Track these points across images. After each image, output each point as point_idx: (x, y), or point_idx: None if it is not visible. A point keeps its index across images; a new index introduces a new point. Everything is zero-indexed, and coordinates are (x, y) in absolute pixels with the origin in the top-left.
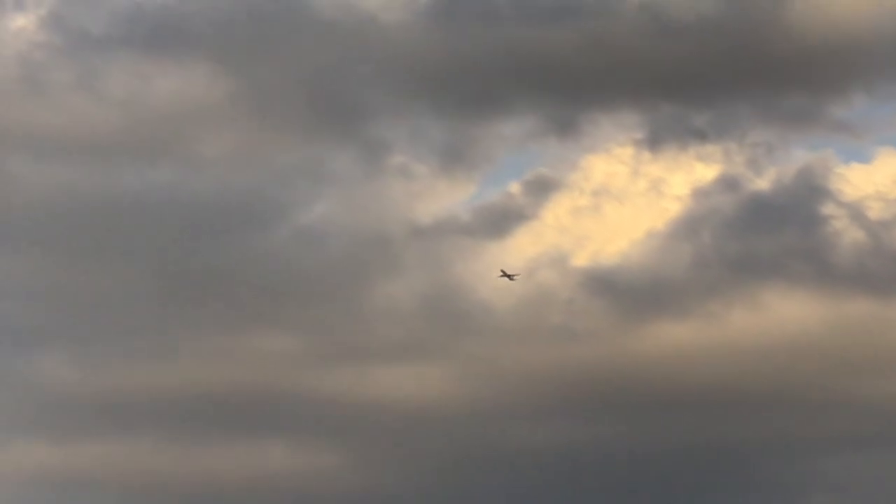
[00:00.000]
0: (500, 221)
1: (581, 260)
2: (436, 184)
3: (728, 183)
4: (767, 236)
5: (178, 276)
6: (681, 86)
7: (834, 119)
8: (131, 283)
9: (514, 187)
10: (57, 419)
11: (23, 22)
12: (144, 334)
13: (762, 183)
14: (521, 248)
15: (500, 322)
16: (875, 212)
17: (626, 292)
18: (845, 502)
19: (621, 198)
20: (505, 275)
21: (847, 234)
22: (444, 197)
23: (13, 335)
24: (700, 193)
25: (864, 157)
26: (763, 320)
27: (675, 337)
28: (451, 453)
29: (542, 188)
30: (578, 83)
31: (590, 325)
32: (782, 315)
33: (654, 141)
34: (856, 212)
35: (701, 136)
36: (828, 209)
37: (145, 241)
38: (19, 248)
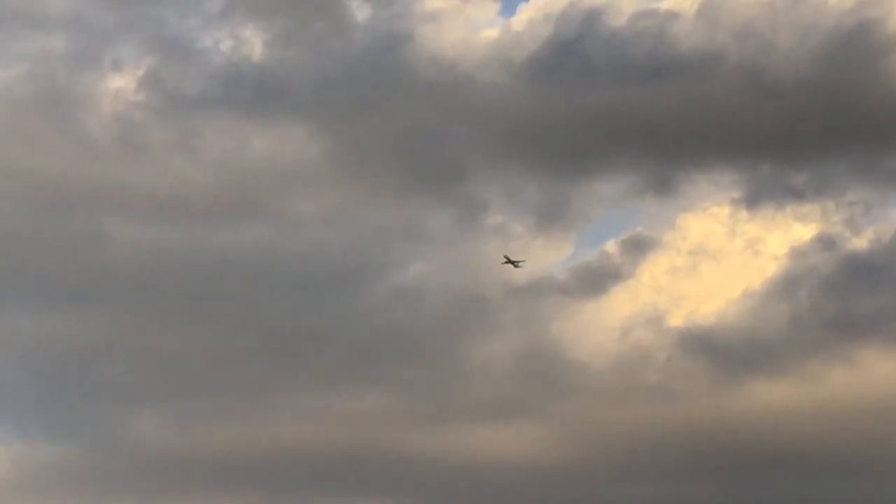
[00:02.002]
0: (596, 281)
1: (677, 319)
2: (532, 243)
3: (825, 242)
4: (865, 296)
5: (273, 336)
6: (778, 145)
7: None
8: (226, 342)
9: (611, 246)
10: (151, 477)
11: (120, 82)
12: (239, 393)
13: (860, 242)
14: (617, 307)
15: (595, 381)
16: None
17: (723, 352)
18: None
19: (718, 257)
20: (509, 261)
21: None
22: (540, 256)
23: (108, 393)
24: (797, 253)
25: None
26: (860, 380)
27: (772, 396)
28: None
29: (639, 247)
30: (676, 142)
31: (685, 385)
32: (879, 375)
33: (752, 200)
34: None
35: (798, 195)
36: None
37: (240, 301)
38: (114, 308)
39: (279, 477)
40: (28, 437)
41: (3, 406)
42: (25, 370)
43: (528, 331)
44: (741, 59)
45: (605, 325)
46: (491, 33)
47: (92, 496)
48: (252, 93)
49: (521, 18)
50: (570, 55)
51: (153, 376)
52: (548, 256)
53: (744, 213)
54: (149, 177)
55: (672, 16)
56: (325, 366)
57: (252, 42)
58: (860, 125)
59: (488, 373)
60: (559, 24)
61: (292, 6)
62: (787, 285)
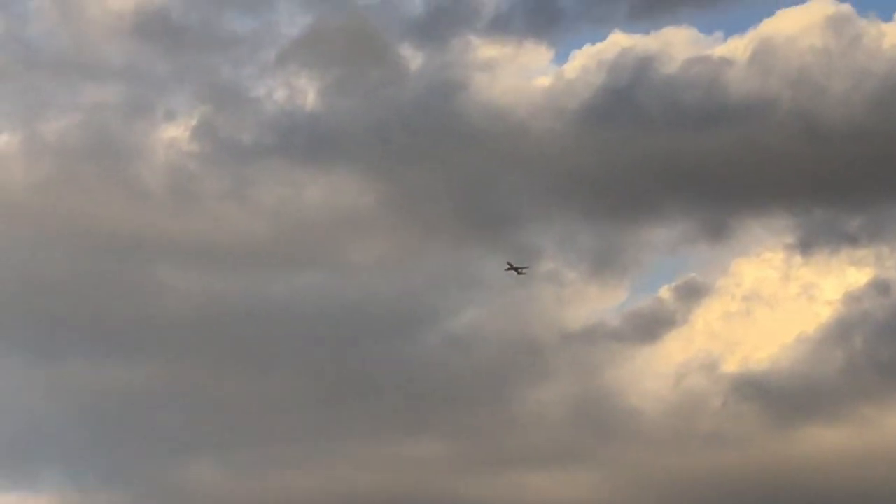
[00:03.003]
0: (649, 327)
1: (731, 365)
2: (586, 289)
3: (880, 287)
4: None
5: (328, 383)
6: (832, 190)
7: None
8: (281, 389)
9: (665, 292)
10: None
11: (174, 132)
12: (294, 441)
13: None
14: (671, 353)
15: (649, 428)
16: None
17: (777, 398)
18: None
19: (772, 303)
20: (512, 268)
21: None
22: (593, 302)
23: (163, 441)
24: (852, 298)
25: None
26: None
27: (826, 442)
28: None
29: (693, 293)
30: (729, 188)
31: (740, 431)
32: None
33: (806, 245)
34: None
35: (852, 240)
36: None
37: (295, 349)
38: (169, 356)
39: None
40: (83, 486)
41: (59, 454)
42: (81, 418)
43: (582, 377)
44: (794, 104)
45: (658, 371)
46: (544, 81)
47: None
48: (306, 141)
49: (574, 66)
50: (623, 102)
51: (208, 424)
52: (601, 303)
53: (798, 259)
54: (203, 225)
55: (725, 62)
56: (380, 413)
57: (306, 91)
58: None
59: (542, 419)
60: (612, 71)
61: (346, 55)
62: (841, 330)
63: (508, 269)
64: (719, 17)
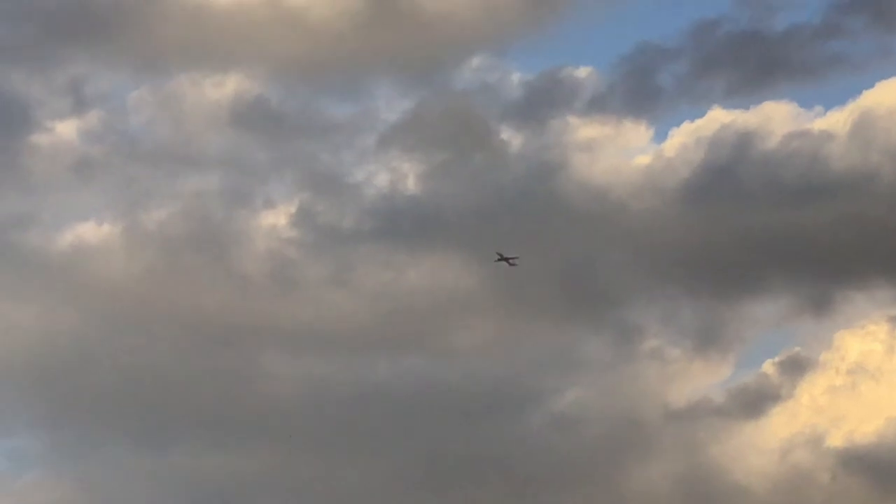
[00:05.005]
0: (754, 402)
1: (837, 440)
2: (690, 366)
3: None
4: None
5: (433, 466)
6: None
7: None
8: (385, 474)
9: (769, 367)
10: None
11: (273, 219)
12: None
13: None
14: (776, 428)
15: None
16: None
17: (885, 471)
18: None
19: (877, 376)
20: (502, 258)
21: None
22: (698, 379)
23: None
24: None
25: None
26: None
27: None
28: None
29: (797, 368)
30: (832, 261)
31: None
32: None
33: None
34: None
35: None
36: None
37: (398, 433)
38: (274, 442)
39: None
40: None
41: None
42: None
43: (687, 454)
44: None
45: (764, 446)
46: (643, 159)
47: None
48: (407, 225)
49: (674, 143)
50: (723, 178)
51: None
52: (705, 379)
53: None
54: (304, 311)
55: (826, 136)
56: (485, 495)
57: (406, 175)
58: None
59: (648, 497)
60: (711, 147)
61: (446, 138)
62: None
63: (499, 259)
64: (818, 91)
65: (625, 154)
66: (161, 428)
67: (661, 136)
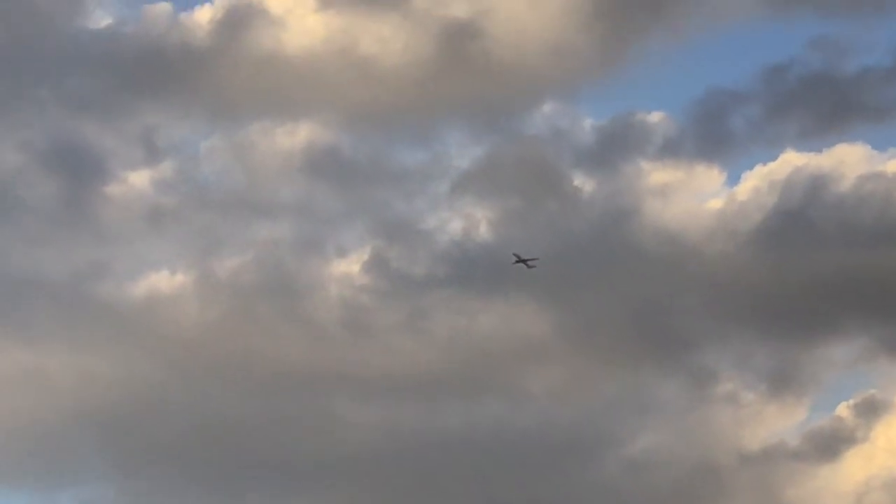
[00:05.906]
0: (829, 445)
1: None
2: (764, 410)
3: None
4: None
5: None
6: None
7: None
8: None
9: (844, 410)
10: None
11: (346, 267)
12: None
13: None
14: (852, 471)
15: None
16: None
17: None
18: None
19: None
20: (520, 260)
21: None
22: (772, 422)
23: None
24: None
25: None
26: None
27: None
28: None
29: (873, 410)
30: None
31: None
32: None
33: None
34: None
35: None
36: None
37: (472, 478)
38: (348, 489)
39: None
40: None
41: None
42: None
43: (763, 498)
44: None
45: (840, 490)
46: (716, 204)
47: None
48: (480, 271)
49: (746, 187)
50: (797, 222)
51: None
52: (780, 422)
53: None
54: (377, 358)
55: None
56: None
57: (479, 221)
58: None
59: None
60: (784, 191)
61: (518, 184)
62: None
63: (517, 261)
64: (891, 133)
65: (697, 198)
66: (234, 476)
67: (733, 180)
